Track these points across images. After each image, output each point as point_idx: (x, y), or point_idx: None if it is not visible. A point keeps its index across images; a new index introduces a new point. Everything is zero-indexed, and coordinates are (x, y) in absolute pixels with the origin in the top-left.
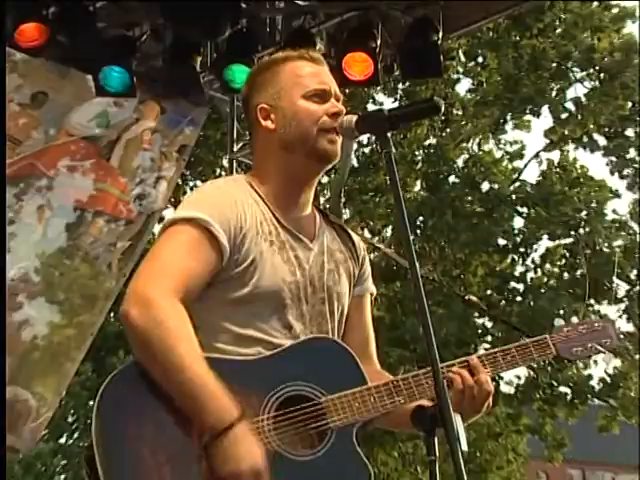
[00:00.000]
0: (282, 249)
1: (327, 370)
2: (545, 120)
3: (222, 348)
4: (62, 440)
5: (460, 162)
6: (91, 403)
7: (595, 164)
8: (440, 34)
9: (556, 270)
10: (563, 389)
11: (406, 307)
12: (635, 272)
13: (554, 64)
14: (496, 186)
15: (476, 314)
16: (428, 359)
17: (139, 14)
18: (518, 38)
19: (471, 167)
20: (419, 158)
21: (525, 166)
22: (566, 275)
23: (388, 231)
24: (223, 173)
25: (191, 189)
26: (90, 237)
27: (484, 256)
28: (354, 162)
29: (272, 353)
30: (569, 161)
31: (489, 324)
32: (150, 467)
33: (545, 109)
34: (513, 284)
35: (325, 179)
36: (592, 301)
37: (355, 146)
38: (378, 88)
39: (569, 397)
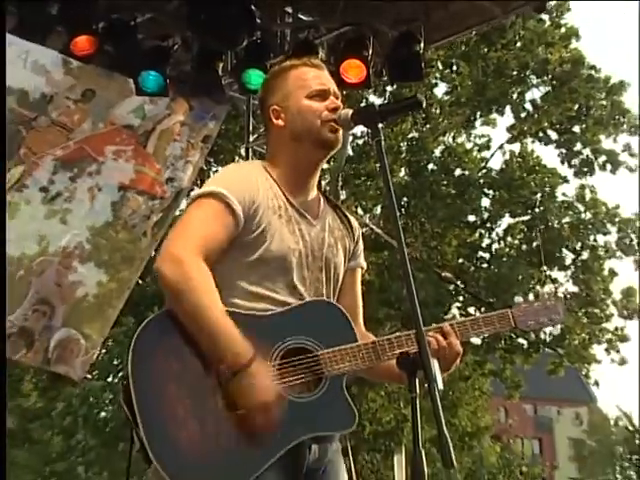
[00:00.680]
0: (289, 222)
1: (325, 328)
2: (508, 118)
3: (237, 303)
4: (109, 379)
5: (437, 152)
6: None
7: (548, 155)
8: (421, 45)
9: (516, 242)
10: (520, 340)
11: (392, 273)
12: (580, 244)
13: (515, 72)
14: (467, 172)
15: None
16: (412, 319)
17: (172, 28)
18: (486, 51)
19: (446, 156)
20: (403, 149)
21: (491, 156)
22: (524, 246)
23: (378, 209)
24: (241, 160)
25: (213, 173)
26: (129, 210)
27: (457, 230)
28: (349, 152)
29: (279, 311)
30: (527, 152)
31: (460, 288)
32: (174, 399)
33: (508, 109)
34: (481, 253)
35: (325, 166)
36: (545, 268)
37: (350, 138)
38: (370, 90)
39: (525, 347)
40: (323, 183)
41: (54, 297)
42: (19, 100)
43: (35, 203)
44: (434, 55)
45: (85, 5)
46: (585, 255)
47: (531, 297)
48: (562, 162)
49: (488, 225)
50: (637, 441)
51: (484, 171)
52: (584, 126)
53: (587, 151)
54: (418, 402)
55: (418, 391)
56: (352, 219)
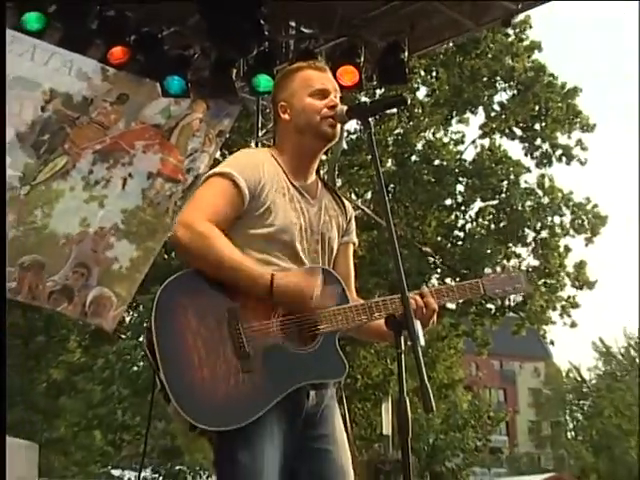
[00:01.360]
0: (292, 201)
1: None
2: (479, 117)
3: None
4: (140, 339)
5: (419, 146)
6: None
7: (513, 148)
8: (406, 54)
9: (486, 223)
10: (489, 306)
11: (381, 249)
12: (539, 224)
13: (486, 78)
14: (444, 163)
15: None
16: (398, 287)
17: (193, 39)
18: (461, 59)
19: (427, 149)
20: (390, 143)
21: (465, 149)
22: (493, 226)
23: (368, 195)
24: None
25: None
26: (154, 190)
27: (436, 212)
28: (344, 146)
29: None
30: (495, 146)
31: (438, 261)
32: (191, 347)
33: (480, 109)
34: (456, 232)
35: (323, 157)
36: (510, 244)
37: (345, 134)
38: (362, 92)
39: (493, 311)
40: (322, 172)
41: (90, 261)
42: (64, 102)
43: (78, 189)
44: (417, 63)
45: (119, 21)
46: (544, 234)
47: (498, 270)
48: (525, 155)
49: (462, 208)
50: (584, 389)
51: (459, 162)
52: (544, 124)
53: (546, 146)
54: (403, 357)
55: (403, 348)
56: (346, 202)
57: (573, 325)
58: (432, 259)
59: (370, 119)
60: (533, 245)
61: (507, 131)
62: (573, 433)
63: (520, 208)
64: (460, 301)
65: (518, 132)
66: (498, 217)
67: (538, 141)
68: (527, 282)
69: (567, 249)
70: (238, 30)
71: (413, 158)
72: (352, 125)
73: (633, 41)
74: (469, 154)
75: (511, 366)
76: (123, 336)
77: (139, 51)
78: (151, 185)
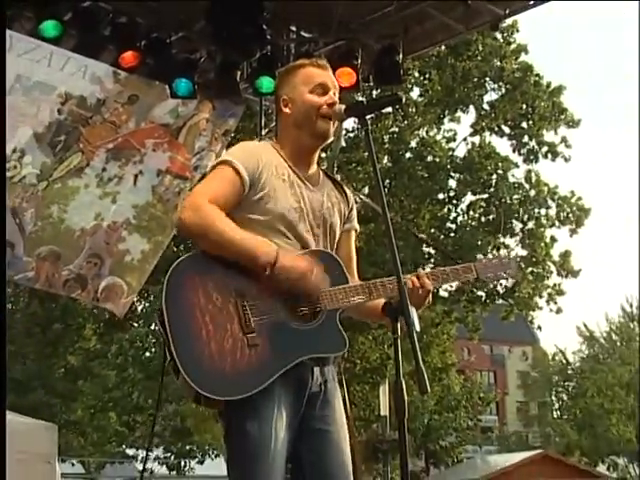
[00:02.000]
0: (292, 186)
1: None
2: (470, 116)
3: None
4: (152, 327)
5: (413, 143)
6: None
7: (502, 145)
8: (400, 56)
9: (476, 215)
10: (480, 293)
11: (378, 240)
12: (526, 216)
13: (476, 79)
14: (437, 159)
15: (424, 244)
16: (394, 272)
17: (199, 43)
18: (453, 61)
19: (421, 146)
20: (386, 140)
21: (457, 146)
22: (483, 219)
23: (366, 189)
24: None
25: None
26: (163, 187)
27: (429, 206)
28: (343, 143)
29: None
30: (485, 143)
31: (432, 251)
32: (199, 323)
33: (471, 108)
34: (449, 224)
35: (323, 155)
36: (499, 235)
37: (343, 132)
38: (359, 93)
39: (483, 298)
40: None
41: (103, 252)
42: (78, 104)
43: (92, 186)
44: (411, 65)
45: (130, 27)
46: (531, 225)
47: (490, 256)
48: (513, 151)
49: (454, 202)
50: (569, 371)
51: (451, 158)
52: (531, 122)
53: (533, 143)
54: (399, 342)
55: (399, 333)
56: (347, 190)
57: (559, 311)
58: (427, 250)
59: (367, 117)
60: (521, 236)
61: (496, 129)
62: (559, 412)
63: (508, 201)
64: (453, 289)
65: (506, 130)
66: (488, 210)
67: (525, 138)
68: (517, 268)
69: (553, 239)
70: (242, 34)
71: (407, 155)
72: (350, 124)
73: (633, 41)
74: (460, 151)
75: (501, 350)
76: (135, 324)
77: (149, 55)
78: (160, 182)
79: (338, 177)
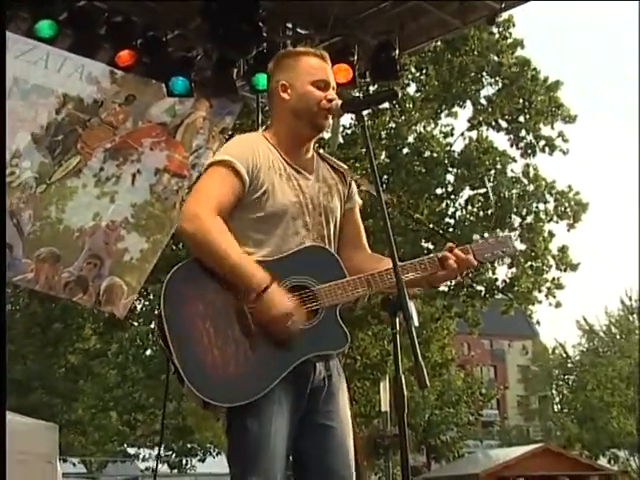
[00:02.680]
0: (289, 180)
1: (319, 267)
2: (467, 111)
3: (249, 251)
4: (152, 325)
5: (411, 139)
6: None
7: (499, 140)
8: (397, 52)
9: (475, 210)
10: (479, 288)
11: (377, 237)
12: (525, 211)
13: (473, 74)
14: (435, 154)
15: (423, 239)
16: (393, 270)
17: (195, 41)
18: (450, 56)
19: (418, 142)
20: (383, 136)
21: (454, 141)
22: (481, 213)
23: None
24: None
25: None
26: (162, 185)
27: (427, 201)
28: (340, 140)
29: (282, 255)
30: (483, 138)
31: (431, 247)
32: (200, 330)
33: (468, 103)
34: (447, 219)
35: (322, 151)
36: (498, 230)
37: (341, 128)
38: (356, 89)
39: (483, 293)
40: None
41: (103, 253)
42: (76, 106)
43: (90, 186)
44: (407, 60)
45: (126, 26)
46: (529, 219)
47: (486, 235)
48: (511, 145)
49: (452, 197)
50: (569, 365)
51: (448, 153)
52: (528, 117)
53: (530, 137)
54: (398, 338)
55: (398, 328)
56: (344, 166)
57: (558, 305)
58: (425, 244)
59: (364, 112)
60: (519, 230)
61: (493, 123)
62: (559, 406)
63: (507, 196)
64: (452, 283)
65: (504, 124)
66: (486, 204)
67: (523, 133)
68: (514, 245)
69: (551, 234)
70: (238, 32)
71: (405, 150)
72: (347, 120)
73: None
74: (458, 146)
75: (501, 345)
76: (135, 323)
77: (145, 54)
78: (158, 180)
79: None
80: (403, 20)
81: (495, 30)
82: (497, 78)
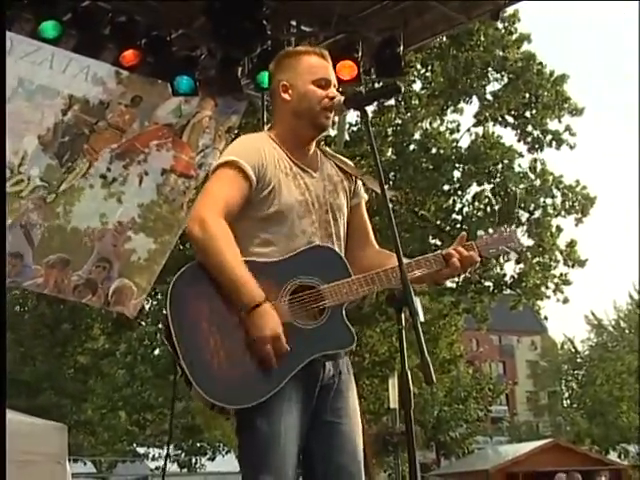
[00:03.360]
0: (294, 178)
1: (325, 267)
2: (474, 106)
3: (256, 251)
4: (160, 325)
5: (417, 135)
6: None
7: (506, 135)
8: (401, 48)
9: (482, 206)
10: (487, 283)
11: (383, 234)
12: (532, 206)
13: (479, 69)
14: (441, 151)
15: (430, 236)
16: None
17: (199, 40)
18: (455, 52)
19: (425, 138)
20: (389, 133)
21: (461, 137)
22: (488, 209)
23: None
24: None
25: None
26: (169, 187)
27: (435, 198)
28: (346, 137)
29: (289, 256)
30: (489, 133)
31: (439, 243)
32: (206, 333)
33: (474, 99)
34: (454, 216)
35: (327, 149)
36: (506, 225)
37: (347, 126)
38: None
39: (491, 288)
40: None
41: (111, 255)
42: (82, 108)
43: (97, 187)
44: (413, 57)
45: (130, 25)
46: (537, 214)
47: (490, 231)
48: (518, 140)
49: (459, 193)
50: (578, 360)
51: (455, 149)
52: (534, 111)
53: (537, 132)
54: (404, 334)
55: (404, 324)
56: (348, 163)
57: (565, 301)
58: (432, 241)
59: (366, 108)
60: (527, 225)
61: (500, 119)
62: (568, 401)
63: (514, 191)
64: (460, 280)
65: (510, 119)
66: (493, 200)
67: (529, 127)
68: (518, 240)
69: (559, 229)
70: (242, 30)
71: (412, 147)
72: (353, 118)
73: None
74: (464, 142)
75: (510, 341)
76: (143, 323)
77: (149, 53)
78: (165, 181)
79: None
80: (407, 16)
81: (500, 25)
82: (503, 73)
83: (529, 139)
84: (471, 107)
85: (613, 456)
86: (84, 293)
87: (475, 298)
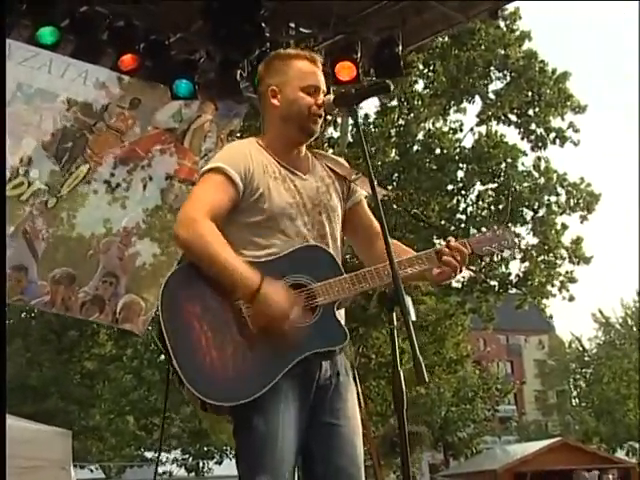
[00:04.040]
0: (284, 182)
1: (315, 266)
2: (476, 106)
3: (248, 254)
4: None
5: (420, 136)
6: None
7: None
8: (400, 48)
9: (486, 205)
10: (492, 283)
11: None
12: (537, 204)
13: (481, 68)
14: (445, 151)
15: (435, 236)
16: (390, 266)
17: (198, 44)
18: (457, 51)
19: (428, 139)
20: (393, 134)
21: (464, 137)
22: (492, 208)
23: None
24: None
25: None
26: (173, 195)
27: (439, 198)
28: (349, 139)
29: (279, 255)
30: (492, 132)
31: (444, 243)
32: (198, 332)
33: (477, 98)
34: (458, 216)
35: (330, 151)
36: (510, 224)
37: (350, 127)
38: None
39: (496, 288)
40: None
41: (118, 269)
42: (81, 110)
43: (100, 193)
44: (415, 57)
45: (128, 30)
46: (541, 212)
47: (484, 229)
48: (521, 139)
49: (463, 192)
50: (585, 358)
51: (458, 149)
52: (537, 109)
53: (540, 129)
54: (396, 333)
55: (396, 323)
56: (343, 163)
57: (571, 299)
58: (437, 241)
59: (356, 106)
60: (532, 224)
61: (503, 117)
62: (577, 400)
63: (518, 189)
64: (465, 279)
65: (513, 118)
66: (497, 199)
67: (532, 125)
68: (512, 239)
69: (564, 227)
70: (240, 33)
71: (415, 147)
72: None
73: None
74: (468, 141)
75: (517, 340)
76: (149, 327)
77: (148, 57)
78: (169, 186)
79: (330, 152)
80: (405, 16)
81: (502, 24)
82: (505, 72)
83: (532, 137)
84: (474, 106)
85: (621, 454)
86: (91, 311)
87: (481, 297)
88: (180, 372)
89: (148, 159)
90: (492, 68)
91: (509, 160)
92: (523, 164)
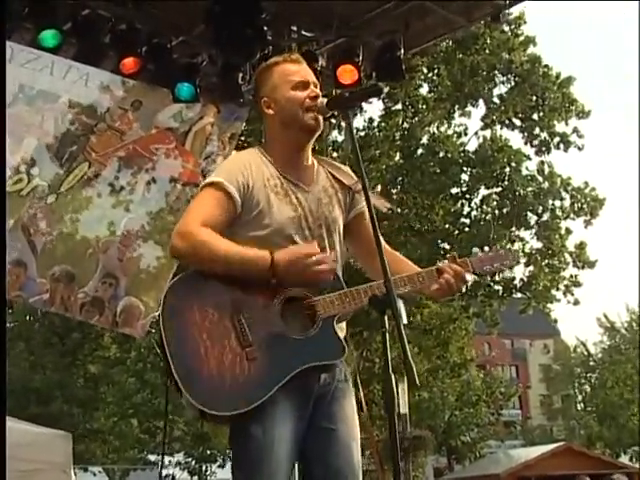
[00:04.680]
0: (286, 196)
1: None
2: (480, 110)
3: None
4: None
5: (425, 139)
6: None
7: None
8: (402, 52)
9: (490, 209)
10: (497, 287)
11: (393, 239)
12: (541, 208)
13: (485, 72)
14: (449, 154)
15: (439, 240)
16: (382, 271)
17: (200, 47)
18: (461, 55)
19: (432, 142)
20: (397, 137)
21: (468, 141)
22: (497, 212)
23: (378, 187)
24: None
25: None
26: (174, 197)
27: (443, 201)
28: None
29: None
30: (496, 136)
31: (448, 247)
32: (197, 341)
33: (481, 102)
34: (463, 219)
35: (335, 155)
36: (514, 228)
37: (355, 131)
38: None
39: (501, 292)
40: None
41: (118, 271)
42: (82, 111)
43: (105, 196)
44: (419, 61)
45: (131, 33)
46: (545, 217)
47: (486, 249)
48: (525, 143)
49: (467, 196)
50: (590, 363)
51: (463, 153)
52: (541, 114)
53: (544, 134)
54: (388, 336)
55: (387, 327)
56: (348, 172)
57: (576, 303)
58: (442, 245)
59: (349, 109)
60: (536, 228)
61: (507, 122)
62: (582, 405)
63: (522, 194)
64: (469, 284)
65: (517, 122)
66: (502, 203)
67: (537, 130)
68: (514, 258)
69: (568, 231)
70: (242, 36)
71: (419, 151)
72: (360, 123)
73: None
74: (472, 145)
75: (522, 344)
76: (153, 330)
77: (150, 61)
78: (173, 189)
79: (334, 155)
80: (407, 20)
81: (506, 28)
82: (509, 76)
83: (536, 142)
84: (478, 110)
85: (625, 459)
86: (91, 313)
87: (485, 302)
88: (178, 380)
89: (152, 162)
90: (496, 72)
91: (513, 164)
92: (527, 168)
